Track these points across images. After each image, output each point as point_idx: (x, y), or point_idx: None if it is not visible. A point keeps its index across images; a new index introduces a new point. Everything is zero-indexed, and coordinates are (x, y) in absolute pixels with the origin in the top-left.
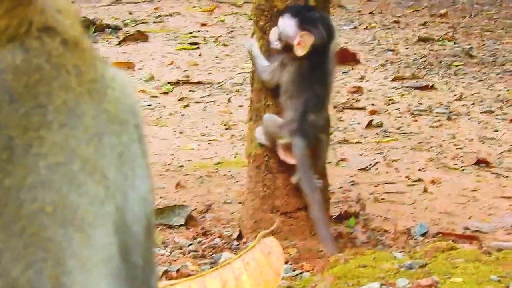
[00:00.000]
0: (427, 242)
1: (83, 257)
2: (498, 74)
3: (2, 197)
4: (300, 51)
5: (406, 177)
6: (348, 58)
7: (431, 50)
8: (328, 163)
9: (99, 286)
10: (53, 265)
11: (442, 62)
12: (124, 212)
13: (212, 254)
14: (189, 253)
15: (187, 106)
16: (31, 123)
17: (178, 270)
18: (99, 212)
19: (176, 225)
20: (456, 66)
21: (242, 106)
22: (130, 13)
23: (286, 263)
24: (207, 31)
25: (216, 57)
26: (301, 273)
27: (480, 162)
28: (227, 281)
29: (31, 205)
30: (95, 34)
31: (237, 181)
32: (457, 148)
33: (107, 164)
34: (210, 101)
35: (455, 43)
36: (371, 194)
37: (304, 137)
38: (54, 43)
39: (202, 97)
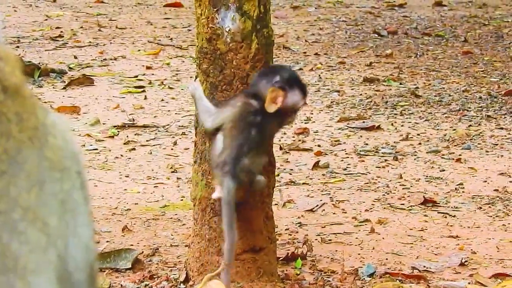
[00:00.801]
0: (374, 282)
1: None
2: (444, 114)
3: None
4: (272, 107)
5: (353, 217)
6: None
7: (377, 90)
8: (275, 204)
9: None
10: None
11: (388, 102)
12: (66, 260)
13: None
14: None
15: (133, 149)
16: None
17: None
18: (41, 259)
19: (122, 269)
20: (402, 106)
21: (188, 148)
22: (75, 57)
23: None
24: (153, 74)
25: (161, 100)
26: None
27: (427, 202)
28: None
29: None
30: (40, 78)
31: (183, 224)
32: (404, 188)
33: (48, 211)
34: (156, 144)
35: (400, 83)
36: (318, 235)
37: (234, 180)
38: None
39: (148, 140)
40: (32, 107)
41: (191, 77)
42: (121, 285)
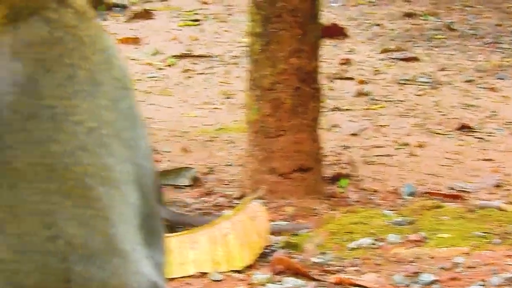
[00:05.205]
0: (416, 201)
1: (122, 212)
2: (478, 46)
3: (51, 163)
4: None
5: (393, 141)
6: (337, 32)
7: (415, 24)
8: (321, 128)
9: (134, 236)
10: (102, 221)
11: (425, 35)
12: (139, 169)
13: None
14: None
15: (190, 77)
16: (65, 93)
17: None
18: (125, 170)
19: (182, 186)
20: (439, 39)
21: (240, 77)
22: None
23: (283, 220)
24: (208, 9)
25: (215, 33)
26: None
27: (463, 127)
28: (215, 239)
29: (76, 168)
30: (105, 12)
31: (236, 145)
32: (441, 115)
33: (123, 126)
34: (211, 73)
35: (437, 18)
36: (361, 157)
37: None
38: (69, 14)
39: (203, 69)
40: (99, 29)
41: (243, 11)
42: (181, 200)
